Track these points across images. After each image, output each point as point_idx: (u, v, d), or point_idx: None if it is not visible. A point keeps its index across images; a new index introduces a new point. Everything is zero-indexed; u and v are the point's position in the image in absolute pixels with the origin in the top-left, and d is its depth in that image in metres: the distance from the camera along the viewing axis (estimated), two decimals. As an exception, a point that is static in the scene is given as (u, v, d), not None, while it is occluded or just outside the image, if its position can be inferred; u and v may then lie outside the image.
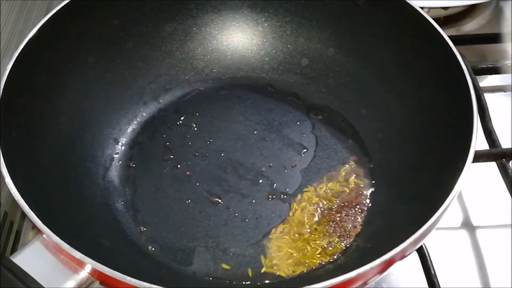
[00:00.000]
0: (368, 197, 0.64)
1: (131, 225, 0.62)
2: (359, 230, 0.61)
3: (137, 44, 0.72)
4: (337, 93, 0.73)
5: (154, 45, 0.74)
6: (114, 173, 0.67)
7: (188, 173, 0.68)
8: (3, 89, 0.55)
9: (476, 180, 0.68)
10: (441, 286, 0.57)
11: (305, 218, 0.62)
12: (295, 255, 0.59)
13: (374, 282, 0.62)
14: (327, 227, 0.62)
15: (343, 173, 0.67)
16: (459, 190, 0.50)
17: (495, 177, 0.67)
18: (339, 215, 0.63)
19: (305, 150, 0.70)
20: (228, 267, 0.59)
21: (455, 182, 0.49)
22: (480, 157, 0.64)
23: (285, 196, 0.65)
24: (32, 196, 0.50)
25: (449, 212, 0.50)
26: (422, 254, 0.60)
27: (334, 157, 0.69)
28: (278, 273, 0.58)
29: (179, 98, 0.75)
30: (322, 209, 0.63)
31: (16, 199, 0.48)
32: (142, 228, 0.62)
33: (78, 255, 0.45)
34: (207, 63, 0.77)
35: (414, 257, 0.60)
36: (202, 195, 0.65)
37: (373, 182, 0.65)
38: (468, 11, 0.97)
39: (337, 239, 0.60)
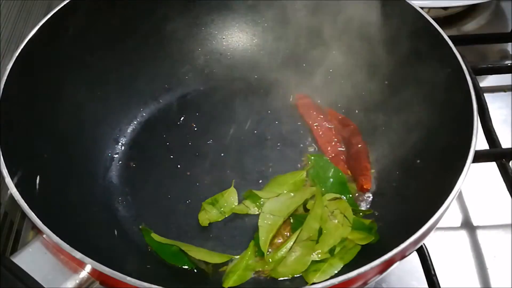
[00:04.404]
0: (369, 197, 0.64)
1: (131, 225, 0.62)
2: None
3: (137, 44, 0.72)
4: (338, 93, 0.73)
5: (154, 45, 0.74)
6: (114, 173, 0.67)
7: (188, 173, 0.68)
8: (3, 89, 0.55)
9: (476, 180, 0.68)
10: (441, 286, 0.57)
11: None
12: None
13: (374, 282, 0.62)
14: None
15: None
16: (459, 190, 0.50)
17: (495, 177, 0.67)
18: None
19: (305, 150, 0.69)
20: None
21: (455, 182, 0.50)
22: (480, 157, 0.64)
23: (285, 196, 0.65)
24: (32, 196, 0.50)
25: (449, 212, 0.50)
26: (422, 254, 0.60)
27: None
28: (275, 275, 0.58)
29: (179, 98, 0.75)
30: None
31: (16, 199, 0.48)
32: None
33: (78, 255, 0.45)
34: (207, 63, 0.77)
35: (414, 257, 0.60)
36: (202, 195, 0.65)
37: (374, 182, 0.65)
38: (468, 11, 0.97)
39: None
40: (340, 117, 0.72)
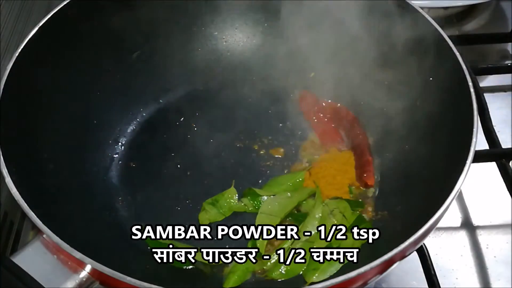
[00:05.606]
0: (369, 197, 0.64)
1: (131, 225, 0.62)
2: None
3: (137, 44, 0.72)
4: (340, 93, 0.73)
5: (154, 45, 0.74)
6: (114, 173, 0.67)
7: (188, 173, 0.68)
8: (3, 89, 0.55)
9: (476, 180, 0.68)
10: (441, 286, 0.57)
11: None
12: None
13: (374, 282, 0.62)
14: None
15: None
16: (459, 190, 0.50)
17: (495, 177, 0.67)
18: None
19: (306, 150, 0.69)
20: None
21: (455, 182, 0.50)
22: (480, 157, 0.64)
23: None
24: (32, 196, 0.50)
25: (449, 212, 0.50)
26: (422, 254, 0.60)
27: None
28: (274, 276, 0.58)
29: (179, 98, 0.75)
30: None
31: (16, 199, 0.48)
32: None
33: (78, 255, 0.45)
34: (207, 63, 0.77)
35: (414, 257, 0.60)
36: (202, 195, 0.65)
37: (374, 182, 0.65)
38: (468, 11, 0.97)
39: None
40: (338, 105, 0.72)
